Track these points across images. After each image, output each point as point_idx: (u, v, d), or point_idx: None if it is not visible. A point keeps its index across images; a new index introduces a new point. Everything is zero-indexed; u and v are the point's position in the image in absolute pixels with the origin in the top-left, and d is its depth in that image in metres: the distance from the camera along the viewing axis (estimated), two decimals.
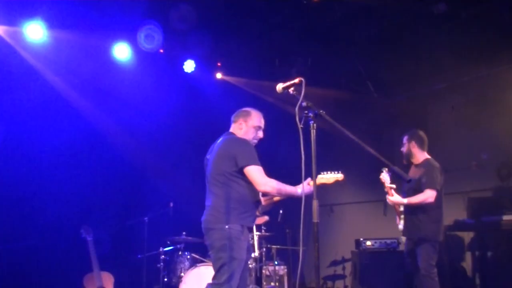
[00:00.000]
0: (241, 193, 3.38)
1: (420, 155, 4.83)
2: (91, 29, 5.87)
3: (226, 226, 3.30)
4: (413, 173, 4.83)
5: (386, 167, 4.68)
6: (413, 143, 4.85)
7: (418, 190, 4.58)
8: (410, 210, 4.64)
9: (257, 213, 3.62)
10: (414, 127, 6.70)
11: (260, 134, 3.66)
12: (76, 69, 6.01)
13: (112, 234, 6.23)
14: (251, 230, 3.70)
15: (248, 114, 3.63)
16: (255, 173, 3.34)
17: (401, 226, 4.72)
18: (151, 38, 6.16)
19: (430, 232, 4.59)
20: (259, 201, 3.52)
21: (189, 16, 5.78)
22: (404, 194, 4.69)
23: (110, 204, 6.48)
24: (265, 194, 3.65)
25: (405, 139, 4.92)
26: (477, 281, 5.88)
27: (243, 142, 3.51)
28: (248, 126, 3.60)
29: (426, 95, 6.98)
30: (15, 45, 5.64)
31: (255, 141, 3.64)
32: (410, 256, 4.74)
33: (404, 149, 4.91)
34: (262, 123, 3.66)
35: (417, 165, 4.83)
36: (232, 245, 3.26)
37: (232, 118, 3.67)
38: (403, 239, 4.90)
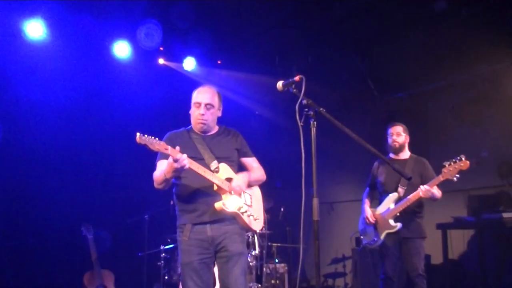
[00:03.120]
0: (175, 192, 3.26)
1: (407, 150, 4.75)
2: (91, 28, 5.87)
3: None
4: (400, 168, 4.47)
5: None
6: (407, 137, 4.72)
7: (418, 186, 4.46)
8: (412, 208, 4.49)
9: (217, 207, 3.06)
10: (414, 124, 6.70)
11: (201, 110, 3.21)
12: (76, 67, 6.01)
13: (112, 232, 6.23)
14: (213, 223, 3.11)
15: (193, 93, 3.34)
16: None
17: (399, 224, 4.44)
18: (151, 36, 6.16)
19: (425, 230, 4.55)
20: (204, 192, 3.09)
21: (189, 14, 5.78)
22: (402, 190, 4.53)
23: (111, 202, 6.48)
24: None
25: (401, 129, 4.67)
26: (477, 278, 5.88)
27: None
28: (191, 107, 3.31)
29: (427, 93, 6.98)
30: (15, 43, 5.63)
31: (199, 121, 3.22)
32: (397, 257, 4.51)
33: (400, 140, 4.64)
34: (198, 98, 3.25)
35: (403, 160, 4.65)
36: (178, 250, 3.19)
37: None
38: (381, 236, 4.57)
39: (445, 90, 6.71)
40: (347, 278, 7.28)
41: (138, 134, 2.77)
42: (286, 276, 6.39)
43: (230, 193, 3.13)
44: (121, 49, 6.38)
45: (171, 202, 5.90)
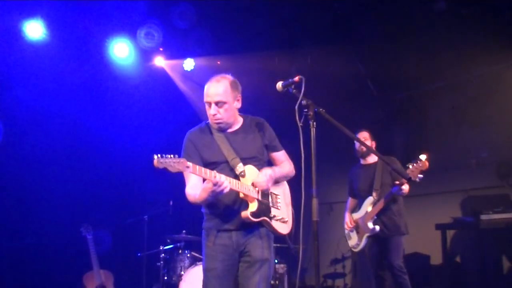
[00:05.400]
0: None
1: (373, 154, 4.84)
2: (91, 27, 5.87)
3: None
4: (367, 172, 4.79)
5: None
6: (373, 143, 4.89)
7: (391, 185, 4.59)
8: (388, 207, 4.61)
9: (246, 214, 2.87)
10: (414, 125, 6.69)
11: (212, 111, 2.94)
12: (75, 67, 6.00)
13: (112, 232, 6.24)
14: (238, 229, 2.94)
15: None
16: (185, 179, 2.98)
17: (377, 227, 4.58)
18: (151, 36, 6.16)
19: (404, 226, 4.64)
20: (231, 199, 2.91)
21: (188, 13, 5.78)
22: (376, 192, 4.66)
23: (110, 202, 6.49)
24: None
25: (367, 135, 4.84)
26: (477, 279, 5.89)
27: (184, 141, 3.09)
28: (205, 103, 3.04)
29: (426, 94, 6.98)
30: (15, 43, 5.63)
31: (214, 121, 2.98)
32: (378, 256, 4.67)
33: (359, 146, 4.81)
34: (207, 96, 2.96)
35: (373, 164, 4.82)
36: (202, 253, 3.07)
37: None
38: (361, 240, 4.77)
39: (444, 91, 6.72)
40: (346, 279, 7.28)
41: (155, 157, 2.50)
42: (285, 276, 6.38)
43: (258, 199, 2.90)
44: (121, 49, 6.38)
45: (170, 203, 5.91)
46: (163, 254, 5.71)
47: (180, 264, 5.60)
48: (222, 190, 2.68)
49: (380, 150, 4.92)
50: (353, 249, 4.99)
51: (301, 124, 2.63)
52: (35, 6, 5.51)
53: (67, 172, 6.16)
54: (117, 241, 6.32)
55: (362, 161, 4.95)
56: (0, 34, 5.46)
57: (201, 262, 5.22)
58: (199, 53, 6.98)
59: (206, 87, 2.99)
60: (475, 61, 6.12)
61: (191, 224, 6.18)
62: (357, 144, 4.85)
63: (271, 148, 3.13)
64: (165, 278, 5.66)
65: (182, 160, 2.58)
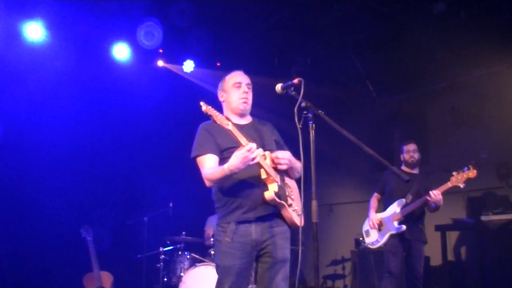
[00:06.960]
0: (217, 187, 2.97)
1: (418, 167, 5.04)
2: (90, 28, 5.87)
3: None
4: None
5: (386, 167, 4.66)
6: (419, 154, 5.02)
7: (423, 195, 4.68)
8: (418, 214, 4.77)
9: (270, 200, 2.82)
10: (413, 126, 6.69)
11: (245, 88, 3.06)
12: (75, 68, 6.01)
13: (111, 234, 6.23)
14: (258, 220, 2.87)
15: (222, 81, 3.19)
16: (199, 166, 2.97)
17: (404, 226, 4.72)
18: (151, 35, 6.16)
19: (425, 235, 4.82)
20: (250, 184, 2.86)
21: (188, 15, 5.78)
22: (410, 197, 4.81)
23: (110, 204, 6.48)
24: None
25: (415, 146, 4.99)
26: (477, 280, 5.89)
27: (197, 132, 3.10)
28: (227, 91, 3.11)
29: (425, 95, 6.99)
30: (15, 44, 5.63)
31: (243, 100, 3.05)
32: (401, 257, 4.77)
33: (417, 156, 4.96)
34: (237, 78, 3.11)
35: (414, 174, 4.93)
36: (216, 249, 2.99)
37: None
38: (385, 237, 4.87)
39: (444, 92, 6.72)
40: (346, 280, 7.28)
41: (202, 103, 2.66)
42: None
43: (277, 182, 2.86)
44: (121, 51, 6.39)
45: (170, 204, 5.91)
46: (162, 256, 5.71)
47: (180, 266, 5.60)
48: (253, 158, 2.66)
49: (379, 151, 4.92)
50: (370, 246, 5.08)
51: (300, 126, 2.63)
52: (35, 7, 5.51)
53: (67, 173, 6.16)
54: (117, 242, 6.32)
55: (406, 170, 4.99)
56: (1, 35, 5.46)
57: (200, 264, 5.27)
58: (199, 55, 6.98)
59: (231, 75, 3.16)
60: (475, 61, 6.13)
61: (191, 226, 6.19)
62: (407, 155, 4.95)
63: (280, 146, 3.15)
64: (165, 279, 5.67)
65: (224, 117, 2.72)
